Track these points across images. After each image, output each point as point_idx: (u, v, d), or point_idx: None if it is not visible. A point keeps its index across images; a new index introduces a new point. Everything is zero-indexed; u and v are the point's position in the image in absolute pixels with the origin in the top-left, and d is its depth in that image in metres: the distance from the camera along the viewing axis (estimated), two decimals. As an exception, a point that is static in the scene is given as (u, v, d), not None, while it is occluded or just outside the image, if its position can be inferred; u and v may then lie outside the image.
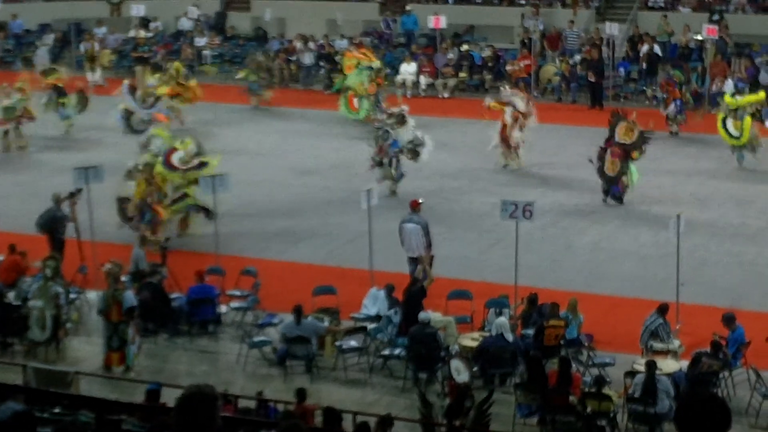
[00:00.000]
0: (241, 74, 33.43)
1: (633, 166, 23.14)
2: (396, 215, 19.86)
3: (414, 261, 19.00)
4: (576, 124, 30.08)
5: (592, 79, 32.20)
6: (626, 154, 23.04)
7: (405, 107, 24.46)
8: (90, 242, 19.28)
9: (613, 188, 23.28)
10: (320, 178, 25.27)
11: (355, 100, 30.18)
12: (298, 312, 16.43)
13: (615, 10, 37.20)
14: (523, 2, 37.56)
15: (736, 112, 25.98)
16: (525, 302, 17.25)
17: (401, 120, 23.91)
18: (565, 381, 14.60)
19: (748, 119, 25.88)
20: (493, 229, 21.27)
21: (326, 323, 16.99)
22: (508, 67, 34.09)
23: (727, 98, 26.63)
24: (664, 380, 14.56)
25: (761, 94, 27.33)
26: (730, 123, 26.00)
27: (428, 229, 19.03)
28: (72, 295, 17.88)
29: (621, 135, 23.11)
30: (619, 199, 23.31)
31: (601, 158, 23.20)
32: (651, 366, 14.63)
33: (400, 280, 17.92)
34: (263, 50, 35.41)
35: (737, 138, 25.97)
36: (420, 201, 19.69)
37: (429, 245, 18.97)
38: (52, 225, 19.85)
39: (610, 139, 23.25)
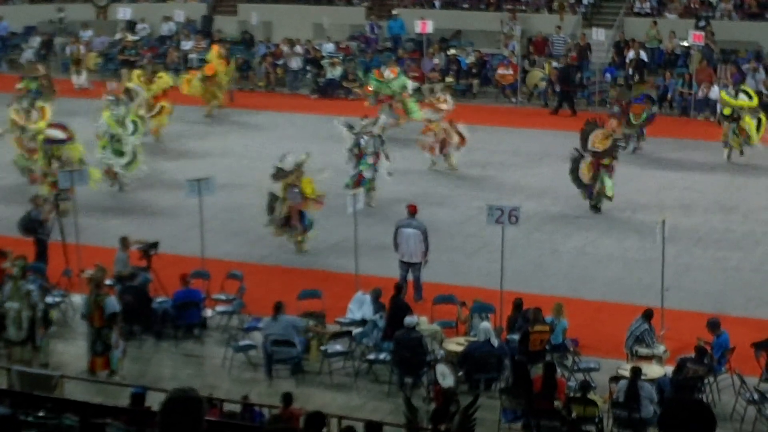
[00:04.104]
0: (20, 85, 29.99)
1: (609, 181, 22.79)
2: (378, 219, 19.79)
3: (406, 265, 18.98)
4: (561, 129, 30.11)
5: (557, 87, 32.43)
6: (599, 162, 22.74)
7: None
8: (75, 245, 19.23)
9: (589, 192, 23.14)
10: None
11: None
12: (277, 308, 16.40)
13: (601, 15, 37.29)
14: (511, 7, 37.61)
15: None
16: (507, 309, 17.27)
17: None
18: (550, 386, 14.62)
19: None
20: (477, 233, 21.31)
21: (310, 328, 16.98)
22: (498, 72, 34.15)
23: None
24: (647, 386, 14.58)
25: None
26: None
27: (427, 234, 19.03)
28: (57, 299, 17.85)
29: (595, 143, 22.91)
30: (595, 207, 23.20)
31: (577, 162, 23.02)
32: (634, 372, 14.66)
33: (384, 284, 17.89)
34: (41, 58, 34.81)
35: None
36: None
37: (426, 250, 18.97)
38: (31, 226, 19.84)
39: (584, 148, 22.98)
